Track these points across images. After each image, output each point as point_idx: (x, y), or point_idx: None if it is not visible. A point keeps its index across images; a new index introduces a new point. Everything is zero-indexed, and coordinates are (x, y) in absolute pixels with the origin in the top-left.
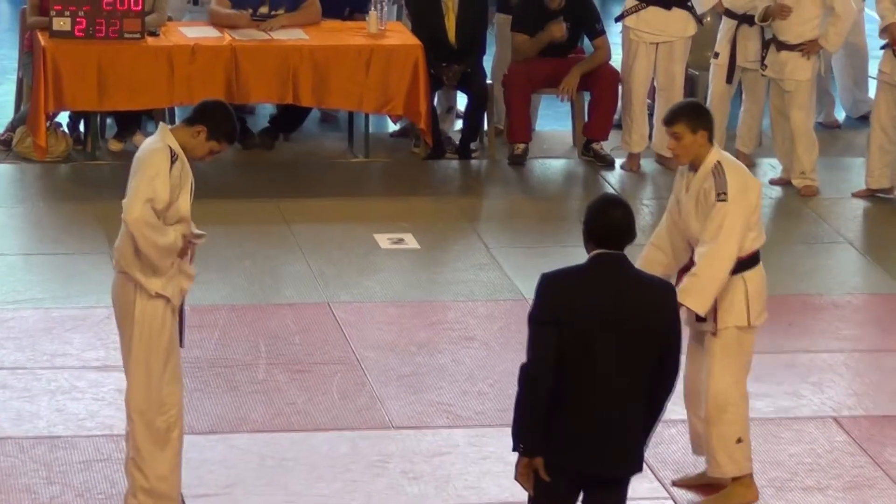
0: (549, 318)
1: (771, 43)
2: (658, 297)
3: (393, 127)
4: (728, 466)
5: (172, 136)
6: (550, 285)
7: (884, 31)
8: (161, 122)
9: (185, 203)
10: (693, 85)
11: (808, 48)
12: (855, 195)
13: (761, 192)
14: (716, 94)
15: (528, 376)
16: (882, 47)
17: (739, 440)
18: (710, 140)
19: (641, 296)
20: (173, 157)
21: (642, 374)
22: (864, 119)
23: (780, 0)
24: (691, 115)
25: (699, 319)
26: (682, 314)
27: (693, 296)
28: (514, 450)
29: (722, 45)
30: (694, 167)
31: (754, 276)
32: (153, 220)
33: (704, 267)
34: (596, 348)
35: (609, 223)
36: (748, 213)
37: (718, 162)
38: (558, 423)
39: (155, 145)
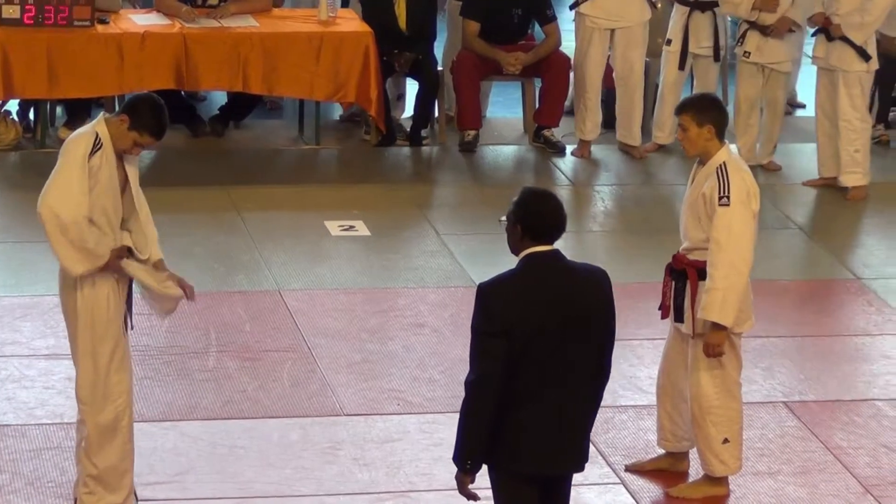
0: (497, 329)
1: (748, 30)
2: (593, 285)
3: (341, 111)
4: (715, 466)
5: (104, 125)
6: (492, 295)
7: (810, 19)
8: (102, 112)
9: (107, 198)
10: (646, 72)
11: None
12: (806, 184)
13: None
14: (668, 81)
15: (478, 390)
16: (814, 33)
17: (726, 440)
18: (719, 136)
19: (580, 288)
20: (97, 144)
21: (590, 366)
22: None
23: None
24: (698, 109)
25: (677, 320)
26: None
27: (716, 310)
28: (461, 469)
29: (674, 32)
30: (702, 161)
31: None
32: (64, 212)
33: (721, 277)
34: (547, 349)
35: (549, 217)
36: (752, 218)
37: (724, 163)
38: (519, 430)
39: (81, 133)
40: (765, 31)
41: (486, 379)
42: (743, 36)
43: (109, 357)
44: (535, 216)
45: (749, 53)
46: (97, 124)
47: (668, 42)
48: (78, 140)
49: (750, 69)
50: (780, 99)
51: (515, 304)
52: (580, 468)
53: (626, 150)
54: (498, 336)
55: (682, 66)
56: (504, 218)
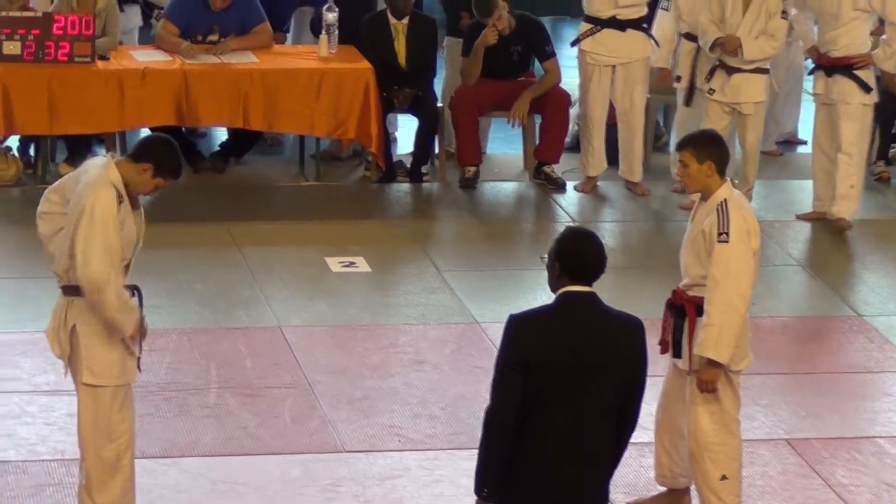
0: (518, 360)
1: (716, 68)
2: (627, 334)
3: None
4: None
5: (117, 171)
6: (518, 327)
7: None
8: (110, 154)
9: (125, 245)
10: (646, 109)
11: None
12: (800, 217)
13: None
14: (680, 119)
15: (494, 421)
16: (810, 71)
17: (724, 477)
18: (720, 173)
19: (611, 333)
20: (119, 199)
21: (612, 410)
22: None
23: (730, 34)
24: (698, 145)
25: (675, 356)
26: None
27: (711, 346)
28: (477, 494)
29: (683, 69)
30: (704, 198)
31: None
32: (112, 278)
33: (717, 314)
34: (567, 388)
35: (586, 259)
36: (751, 256)
37: (725, 200)
38: (531, 464)
39: (100, 187)
40: (730, 71)
41: (502, 409)
42: (712, 72)
43: (111, 396)
44: (574, 256)
45: (713, 91)
46: (109, 172)
47: (678, 79)
48: (102, 197)
49: (715, 107)
50: (750, 140)
51: (540, 338)
52: None
53: (628, 186)
54: (518, 368)
55: (688, 103)
56: (546, 255)
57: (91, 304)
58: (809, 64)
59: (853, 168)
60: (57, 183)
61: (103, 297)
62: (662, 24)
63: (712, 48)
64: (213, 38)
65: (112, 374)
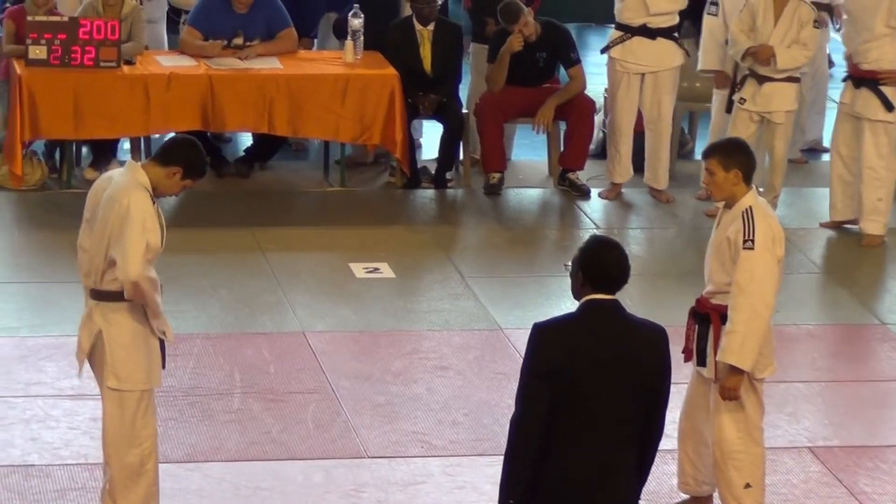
0: (543, 369)
1: (747, 77)
2: (650, 342)
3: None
4: None
5: (144, 174)
6: (542, 336)
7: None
8: (129, 160)
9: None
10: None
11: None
12: (822, 225)
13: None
14: (716, 124)
15: (520, 430)
16: (844, 79)
17: (748, 485)
18: (746, 181)
19: (634, 342)
20: (153, 202)
21: (635, 420)
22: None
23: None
24: (725, 153)
25: (700, 364)
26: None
27: (735, 353)
28: None
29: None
30: (729, 205)
31: None
32: (150, 275)
33: (741, 321)
34: (590, 396)
35: (609, 268)
36: (776, 264)
37: (750, 207)
38: (554, 472)
39: (132, 189)
40: (761, 80)
41: (528, 419)
42: (742, 81)
43: (136, 402)
44: (597, 266)
45: (744, 100)
46: (138, 175)
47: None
48: (137, 199)
49: (743, 116)
50: (778, 149)
51: (563, 347)
52: None
53: (653, 194)
54: (543, 377)
55: (729, 110)
56: (569, 263)
57: (133, 300)
58: (835, 73)
59: (879, 181)
60: (86, 206)
61: (142, 294)
62: (711, 27)
63: (744, 57)
64: (238, 41)
65: (138, 379)
